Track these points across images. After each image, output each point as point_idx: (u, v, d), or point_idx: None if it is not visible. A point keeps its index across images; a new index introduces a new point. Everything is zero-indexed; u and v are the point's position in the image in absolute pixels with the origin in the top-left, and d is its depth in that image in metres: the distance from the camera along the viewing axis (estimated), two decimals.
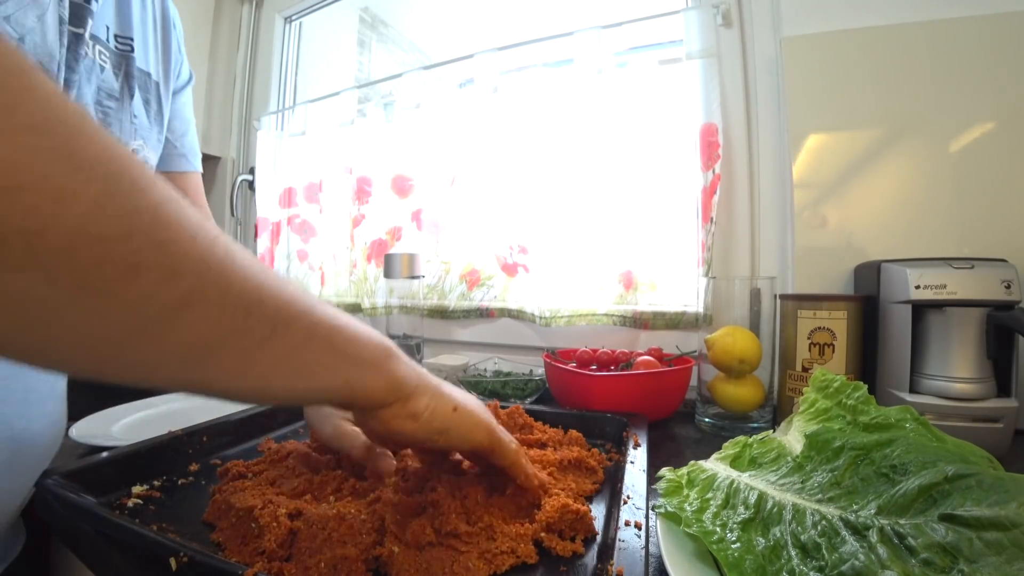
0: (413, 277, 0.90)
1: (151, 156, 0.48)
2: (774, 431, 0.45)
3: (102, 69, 0.42)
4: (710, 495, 0.35)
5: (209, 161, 1.47)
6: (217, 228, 0.22)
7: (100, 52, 0.41)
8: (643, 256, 0.89)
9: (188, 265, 0.19)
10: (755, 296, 0.65)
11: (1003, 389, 0.54)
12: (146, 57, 0.46)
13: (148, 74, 0.47)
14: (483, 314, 1.02)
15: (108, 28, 0.42)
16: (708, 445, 0.59)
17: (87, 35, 0.39)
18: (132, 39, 0.45)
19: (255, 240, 1.33)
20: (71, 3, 0.38)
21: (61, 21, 0.36)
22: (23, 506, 0.44)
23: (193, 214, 0.20)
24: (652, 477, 0.43)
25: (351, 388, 0.28)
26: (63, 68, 0.37)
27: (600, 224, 0.89)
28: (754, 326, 0.65)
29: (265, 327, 0.22)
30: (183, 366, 0.21)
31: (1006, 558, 0.22)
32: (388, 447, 0.42)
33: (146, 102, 0.46)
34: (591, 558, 0.34)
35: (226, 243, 0.21)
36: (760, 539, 0.29)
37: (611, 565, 0.29)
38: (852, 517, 0.27)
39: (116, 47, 0.43)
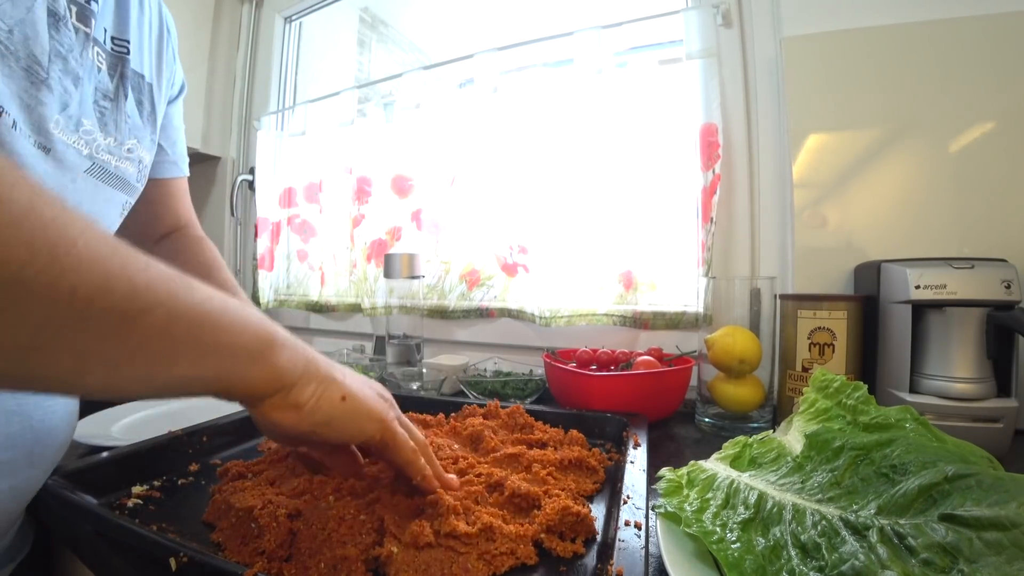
0: (413, 277, 0.90)
1: (145, 155, 0.48)
2: (774, 431, 0.45)
3: (99, 70, 0.42)
4: (710, 495, 0.35)
5: (209, 161, 1.47)
6: (68, 213, 0.20)
7: (98, 53, 0.42)
8: (643, 256, 0.89)
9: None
10: (755, 296, 0.65)
11: (1003, 389, 0.54)
12: (141, 60, 0.47)
13: (142, 76, 0.47)
14: (483, 314, 1.02)
15: (106, 30, 0.43)
16: (708, 445, 0.59)
17: (92, 36, 0.40)
18: (128, 41, 0.45)
19: (255, 240, 1.33)
20: (76, 3, 0.38)
21: (52, 14, 0.36)
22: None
23: (25, 194, 0.18)
24: (652, 477, 0.43)
25: (223, 380, 0.26)
26: (54, 60, 0.36)
27: (600, 224, 0.89)
28: (754, 326, 0.65)
29: (110, 320, 0.20)
30: (6, 363, 0.19)
31: (1006, 558, 0.22)
32: (278, 440, 0.40)
33: (139, 103, 0.47)
34: (591, 558, 0.34)
35: (66, 225, 0.19)
36: (760, 539, 0.29)
37: (611, 565, 0.29)
38: (852, 517, 0.27)
39: (112, 49, 0.44)
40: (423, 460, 0.37)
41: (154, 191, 0.56)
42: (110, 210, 0.46)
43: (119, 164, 0.45)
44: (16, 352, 0.19)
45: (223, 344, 0.26)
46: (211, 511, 0.38)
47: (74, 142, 0.39)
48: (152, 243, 0.59)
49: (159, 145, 0.54)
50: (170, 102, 0.55)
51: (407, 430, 0.37)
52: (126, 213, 0.48)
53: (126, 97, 0.45)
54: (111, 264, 0.20)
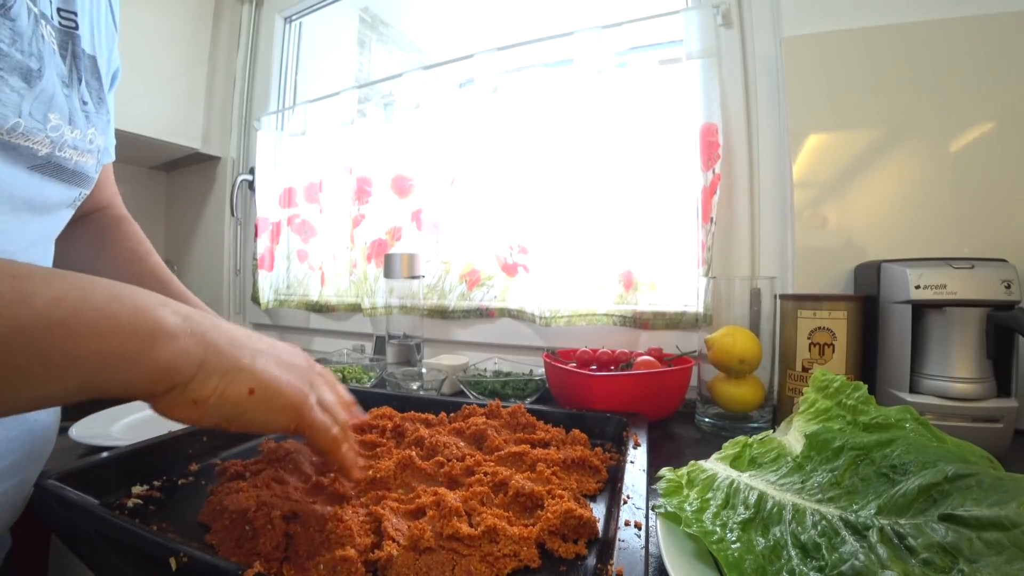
0: (413, 277, 0.90)
1: (101, 142, 0.44)
2: (774, 431, 0.45)
3: (53, 52, 0.37)
4: (710, 495, 0.35)
5: (209, 161, 1.47)
6: None
7: (49, 33, 0.37)
8: (643, 256, 0.89)
9: None
10: (755, 296, 0.65)
11: (1003, 389, 0.54)
12: (85, 31, 0.42)
13: (85, 52, 0.42)
14: (483, 314, 1.02)
15: (52, 2, 0.38)
16: (708, 445, 0.59)
17: (35, 7, 0.35)
18: (76, 13, 0.40)
19: (255, 240, 1.33)
20: None
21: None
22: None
23: None
24: (652, 477, 0.43)
25: (95, 388, 0.24)
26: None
27: (600, 224, 0.89)
28: (754, 326, 0.65)
29: None
30: None
31: (1006, 558, 0.22)
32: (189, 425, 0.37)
33: (88, 84, 0.42)
34: (592, 559, 0.34)
35: None
36: (760, 539, 0.29)
37: (611, 565, 0.29)
38: (852, 517, 0.27)
39: (60, 23, 0.38)
40: (344, 447, 0.34)
41: None
42: (58, 202, 0.42)
43: (79, 159, 0.41)
44: None
45: (81, 354, 0.23)
46: (206, 512, 0.38)
47: (35, 143, 0.36)
48: (72, 222, 0.54)
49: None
50: (112, 82, 0.50)
51: (330, 411, 0.35)
52: (79, 202, 0.45)
53: (80, 80, 0.40)
54: None
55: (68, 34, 0.39)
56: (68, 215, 0.45)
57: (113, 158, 0.57)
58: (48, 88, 0.36)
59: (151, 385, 0.26)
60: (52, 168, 0.39)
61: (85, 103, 0.41)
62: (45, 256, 0.44)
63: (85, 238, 0.54)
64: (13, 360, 0.20)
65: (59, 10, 0.38)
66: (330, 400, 0.35)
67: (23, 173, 0.37)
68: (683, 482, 0.38)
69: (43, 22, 0.36)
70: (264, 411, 0.30)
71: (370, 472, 0.43)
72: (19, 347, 0.21)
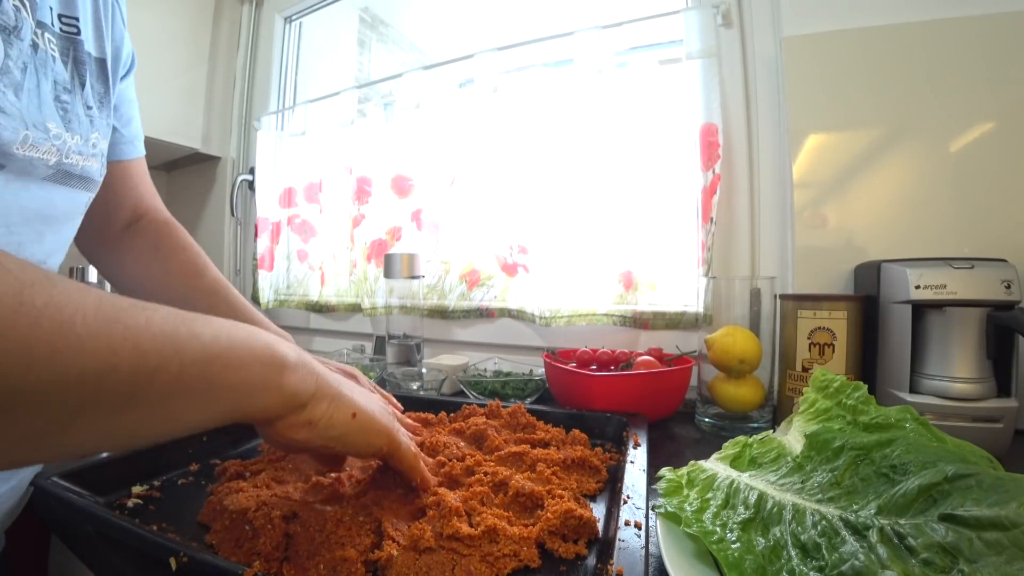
0: (413, 277, 0.90)
1: (104, 145, 0.45)
2: (774, 431, 0.45)
3: (53, 60, 0.37)
4: (710, 495, 0.35)
5: (209, 161, 1.47)
6: (59, 289, 0.18)
7: (49, 40, 0.37)
8: (643, 256, 0.89)
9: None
10: (755, 296, 0.65)
11: (1003, 389, 0.54)
12: (90, 36, 0.42)
13: (90, 54, 0.42)
14: (483, 314, 1.02)
15: (52, 9, 0.38)
16: (708, 445, 0.59)
17: (33, 20, 0.35)
18: (77, 18, 0.40)
19: (255, 240, 1.33)
20: None
21: None
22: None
23: (11, 287, 0.17)
24: (652, 477, 0.43)
25: (239, 413, 0.27)
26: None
27: (600, 224, 0.89)
28: (754, 326, 0.65)
29: (123, 390, 0.20)
30: (19, 453, 0.19)
31: (1006, 558, 0.22)
32: (285, 450, 0.42)
33: (93, 88, 0.42)
34: (592, 558, 0.34)
35: (60, 308, 0.18)
36: (760, 539, 0.29)
37: (611, 565, 0.29)
38: (852, 517, 0.27)
39: (62, 30, 0.39)
40: (422, 464, 0.38)
41: (111, 175, 0.52)
42: (69, 209, 0.43)
43: (85, 163, 0.42)
44: (28, 440, 0.19)
45: (234, 382, 0.26)
46: (206, 512, 0.38)
47: (43, 153, 0.37)
48: (118, 233, 0.56)
49: (120, 124, 0.51)
50: (122, 78, 0.50)
51: (409, 433, 0.40)
52: (87, 206, 0.46)
53: (83, 86, 0.41)
54: (113, 334, 0.20)
55: (70, 40, 0.39)
56: (78, 221, 0.46)
57: (142, 152, 0.57)
58: (33, 100, 0.36)
59: (279, 408, 0.29)
60: (61, 176, 0.40)
61: (89, 107, 0.42)
62: (59, 266, 0.45)
63: (143, 251, 0.55)
64: (185, 387, 0.23)
65: (60, 16, 0.39)
66: (401, 425, 0.40)
67: (34, 185, 0.38)
68: (683, 482, 0.38)
69: (40, 31, 0.36)
70: (364, 433, 0.34)
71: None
72: (193, 376, 0.23)
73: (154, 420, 0.23)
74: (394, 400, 0.54)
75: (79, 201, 0.44)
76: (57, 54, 0.38)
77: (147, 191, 0.58)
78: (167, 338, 0.22)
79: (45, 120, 0.37)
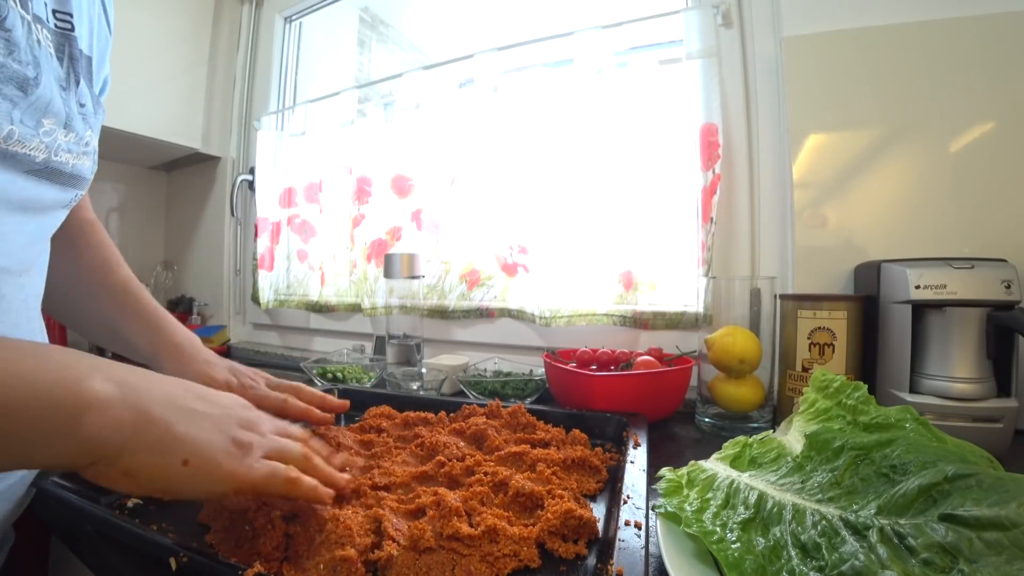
0: (413, 277, 0.90)
1: (95, 143, 0.44)
2: (774, 431, 0.45)
3: (51, 56, 0.37)
4: (710, 495, 0.35)
5: (209, 161, 1.47)
6: None
7: (46, 36, 0.36)
8: (643, 256, 0.89)
9: None
10: (755, 296, 0.65)
11: (1003, 389, 0.54)
12: (82, 32, 0.41)
13: (82, 51, 0.41)
14: (483, 314, 1.02)
15: (47, 5, 0.37)
16: (708, 445, 0.59)
17: (28, 14, 0.34)
18: (72, 15, 0.39)
19: (255, 240, 1.33)
20: None
21: None
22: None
23: None
24: (652, 477, 0.43)
25: (28, 463, 0.23)
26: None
27: (600, 224, 0.89)
28: (754, 326, 0.65)
29: None
30: None
31: (1006, 558, 0.22)
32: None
33: (89, 85, 0.41)
34: (592, 558, 0.34)
35: None
36: (760, 539, 0.29)
37: (611, 565, 0.29)
38: (852, 517, 0.27)
39: (56, 26, 0.38)
40: (305, 481, 0.33)
41: None
42: (53, 203, 0.41)
43: (76, 161, 0.41)
44: None
45: (9, 432, 0.22)
46: (206, 512, 0.38)
47: (30, 150, 0.36)
48: None
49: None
50: (102, 91, 0.48)
51: (280, 453, 0.34)
52: (75, 203, 0.45)
53: (77, 83, 0.40)
54: None
55: (64, 36, 0.39)
56: (63, 215, 0.45)
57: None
58: (45, 94, 0.35)
59: (75, 459, 0.25)
60: (49, 173, 0.39)
61: (83, 105, 0.41)
62: (42, 253, 0.44)
63: (59, 243, 0.54)
64: None
65: (54, 12, 0.38)
66: (279, 444, 0.35)
67: (20, 178, 0.37)
68: (683, 482, 0.38)
69: (38, 26, 0.35)
70: (201, 482, 0.29)
71: (375, 474, 0.43)
72: None
73: None
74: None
75: (66, 198, 0.43)
76: (52, 51, 0.37)
77: (86, 209, 0.57)
78: None
79: (43, 116, 0.36)
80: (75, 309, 0.54)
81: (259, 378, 0.54)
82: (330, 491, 0.35)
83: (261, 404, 0.47)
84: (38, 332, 0.44)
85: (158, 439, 0.27)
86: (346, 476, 0.38)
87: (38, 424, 0.23)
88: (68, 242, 0.54)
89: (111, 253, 0.56)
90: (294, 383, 0.55)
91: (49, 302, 0.48)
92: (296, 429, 0.39)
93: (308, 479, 0.34)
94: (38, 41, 0.35)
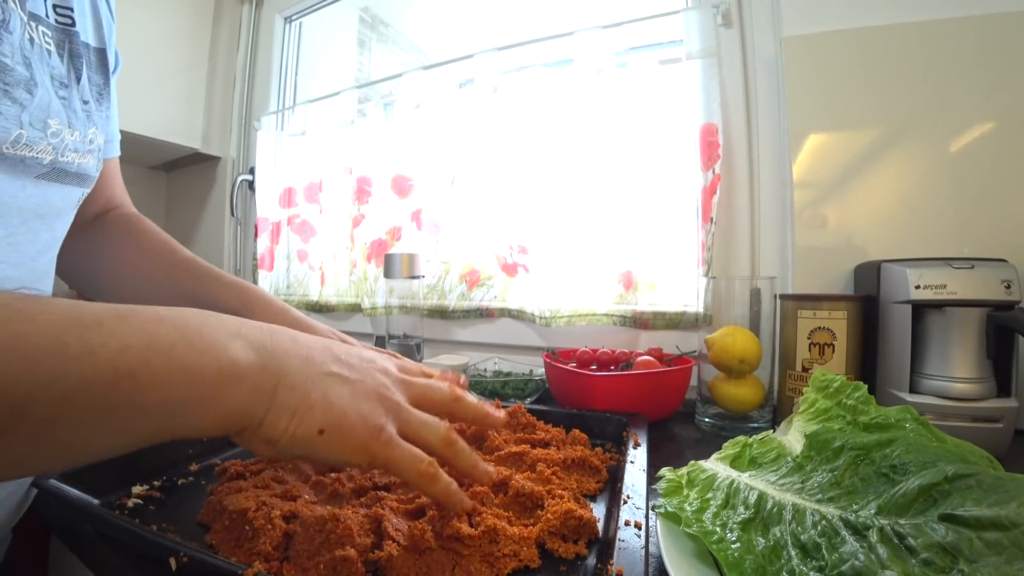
0: (413, 277, 0.90)
1: (101, 140, 0.44)
2: (774, 431, 0.45)
3: (49, 54, 0.36)
4: (710, 495, 0.35)
5: (209, 161, 1.47)
6: None
7: (44, 33, 0.35)
8: (643, 256, 0.89)
9: None
10: (755, 296, 0.65)
11: (1003, 389, 0.54)
12: (85, 25, 0.40)
13: (88, 45, 0.40)
14: (483, 314, 1.02)
15: (45, 1, 0.36)
16: (708, 445, 0.59)
17: (24, 13, 0.34)
18: (72, 8, 0.38)
19: (255, 240, 1.33)
20: None
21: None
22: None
23: None
24: (652, 477, 0.43)
25: (168, 434, 0.23)
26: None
27: (600, 224, 0.89)
28: (754, 326, 0.65)
29: (37, 413, 0.18)
30: None
31: (1006, 558, 0.22)
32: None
33: (89, 80, 0.40)
34: (592, 558, 0.34)
35: None
36: (760, 539, 0.29)
37: (611, 565, 0.29)
38: (852, 517, 0.27)
39: (57, 21, 0.37)
40: (440, 477, 0.30)
41: None
42: (63, 206, 0.42)
43: (81, 160, 0.40)
44: None
45: (148, 404, 0.21)
46: (206, 512, 0.38)
47: (38, 152, 0.35)
48: (86, 224, 0.54)
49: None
50: (112, 72, 0.48)
51: (417, 432, 0.31)
52: (81, 202, 0.45)
53: (79, 79, 0.39)
54: (26, 347, 0.18)
55: (65, 31, 0.38)
56: (71, 217, 0.45)
57: (118, 153, 0.57)
58: (44, 96, 0.35)
59: (222, 428, 0.25)
60: (56, 174, 0.38)
61: (86, 102, 0.40)
62: (52, 262, 0.44)
63: (114, 237, 0.54)
64: (79, 416, 0.20)
65: (55, 7, 0.37)
66: (419, 420, 0.31)
67: (30, 184, 0.36)
68: (683, 482, 0.38)
69: (33, 24, 0.35)
70: (336, 450, 0.28)
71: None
72: (85, 402, 0.20)
73: (40, 449, 0.20)
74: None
75: (73, 197, 0.43)
76: (53, 47, 0.36)
77: (119, 189, 0.58)
78: (45, 357, 0.19)
79: (47, 117, 0.35)
80: (150, 293, 0.53)
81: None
82: (469, 501, 0.32)
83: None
84: None
85: (295, 407, 0.26)
86: (491, 469, 0.34)
87: (180, 396, 0.22)
88: (123, 232, 0.54)
89: (168, 236, 0.56)
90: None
91: (118, 294, 0.49)
92: (441, 390, 0.34)
93: (445, 478, 0.31)
94: (30, 40, 0.34)
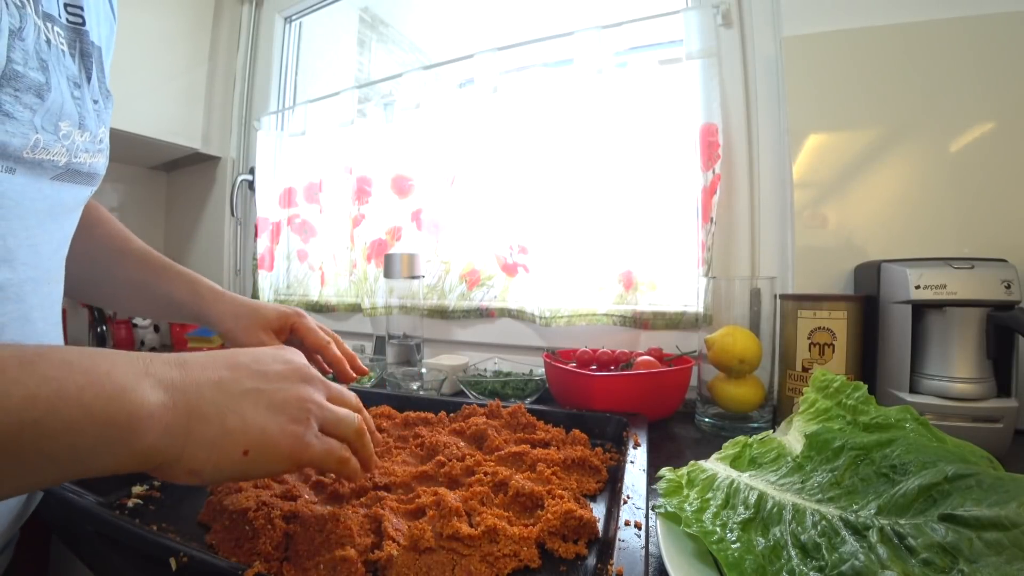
0: (413, 277, 0.90)
1: (107, 139, 0.43)
2: (774, 431, 0.45)
3: (64, 55, 0.36)
4: (710, 495, 0.35)
5: (209, 161, 1.47)
6: None
7: (58, 34, 0.35)
8: (643, 256, 0.89)
9: None
10: (755, 296, 0.65)
11: (1003, 389, 0.54)
12: (93, 24, 0.40)
13: (94, 44, 0.40)
14: (483, 314, 1.02)
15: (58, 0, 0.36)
16: (708, 445, 0.59)
17: (38, 15, 0.33)
18: (82, 7, 0.38)
19: (255, 240, 1.33)
20: None
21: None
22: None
23: None
24: (652, 477, 0.43)
25: (78, 474, 0.23)
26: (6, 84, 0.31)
27: (600, 224, 0.89)
28: (754, 326, 0.65)
29: None
30: None
31: (1006, 558, 0.22)
32: None
33: (98, 78, 0.40)
34: (592, 558, 0.34)
35: None
36: (760, 539, 0.29)
37: (611, 565, 0.29)
38: (852, 517, 0.27)
39: (68, 20, 0.37)
40: (352, 463, 0.33)
41: None
42: (73, 205, 0.42)
43: (92, 160, 0.40)
44: None
45: (55, 451, 0.21)
46: (206, 512, 0.38)
47: (54, 155, 0.35)
48: None
49: None
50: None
51: (336, 427, 0.33)
52: (88, 199, 0.45)
53: (89, 79, 0.39)
54: None
55: (76, 31, 0.38)
56: (79, 215, 0.45)
57: None
58: (57, 98, 0.35)
59: (137, 466, 0.25)
60: (70, 174, 0.39)
61: (96, 101, 0.40)
62: (63, 260, 0.44)
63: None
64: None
65: (66, 6, 0.37)
66: (335, 417, 0.33)
67: (46, 185, 0.37)
68: (683, 482, 0.38)
69: (48, 25, 0.35)
70: (264, 466, 0.29)
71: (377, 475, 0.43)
72: (13, 448, 0.20)
73: None
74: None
75: (83, 196, 0.43)
76: (66, 47, 0.36)
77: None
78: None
79: (59, 120, 0.36)
80: (103, 281, 0.54)
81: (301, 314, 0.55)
82: (371, 468, 0.36)
83: (307, 339, 0.52)
84: (56, 341, 0.44)
85: (212, 438, 0.27)
86: (377, 463, 0.38)
87: (89, 441, 0.22)
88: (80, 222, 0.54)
89: (120, 225, 0.57)
90: (334, 333, 0.56)
91: (74, 285, 0.48)
92: (351, 396, 0.37)
93: (355, 461, 0.34)
94: (47, 41, 0.34)
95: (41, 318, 0.39)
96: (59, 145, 0.36)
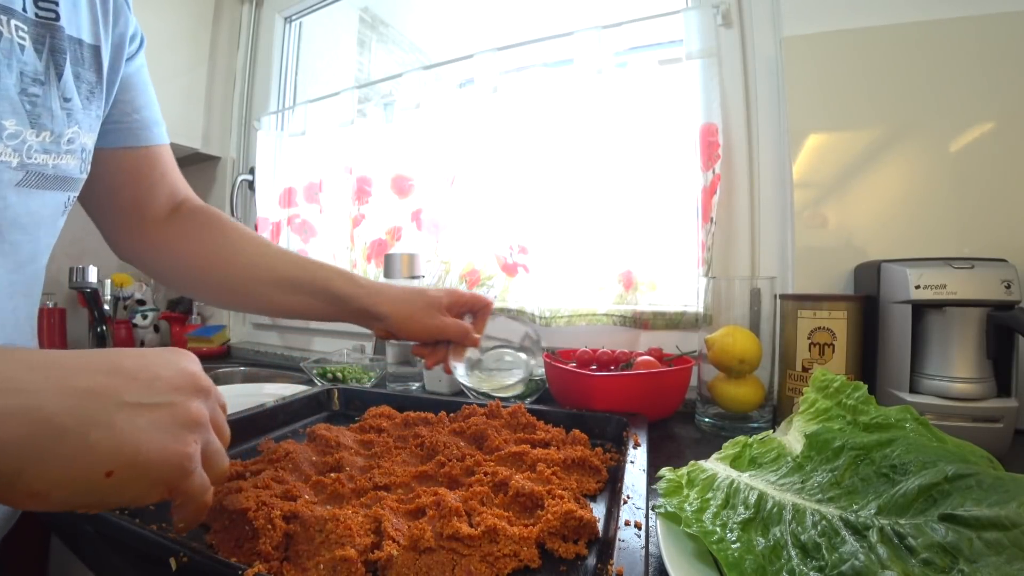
0: (413, 277, 0.90)
1: (88, 140, 0.41)
2: (774, 431, 0.45)
3: (22, 48, 0.34)
4: (710, 495, 0.35)
5: (209, 161, 1.47)
6: None
7: (17, 27, 0.33)
8: (643, 256, 0.89)
9: None
10: (755, 296, 0.65)
11: (1003, 389, 0.54)
12: (77, 20, 0.38)
13: (80, 41, 0.38)
14: None
15: None
16: (708, 445, 0.59)
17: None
18: (57, 3, 0.37)
19: None
20: None
21: None
22: None
23: None
24: (652, 477, 0.43)
25: None
26: None
27: (600, 224, 0.89)
28: (754, 326, 0.65)
29: None
30: None
31: (1006, 558, 0.22)
32: None
33: (77, 76, 0.39)
34: (592, 558, 0.34)
35: None
36: (760, 539, 0.29)
37: (611, 565, 0.29)
38: (852, 517, 0.27)
39: (37, 15, 0.35)
40: (204, 508, 0.28)
41: (142, 163, 0.50)
42: (47, 213, 0.40)
43: (58, 162, 0.38)
44: None
45: None
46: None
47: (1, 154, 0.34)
48: (160, 222, 0.53)
49: (124, 113, 0.48)
50: (128, 59, 0.46)
51: (212, 459, 0.28)
52: (70, 207, 0.42)
53: (60, 76, 0.37)
54: None
55: (47, 26, 0.36)
56: (62, 222, 0.42)
57: (166, 140, 0.56)
58: (6, 93, 0.33)
59: None
60: (35, 179, 0.37)
61: (67, 99, 0.38)
62: (40, 271, 0.42)
63: (199, 233, 0.54)
64: None
65: (36, 1, 0.36)
66: (216, 448, 0.29)
67: (11, 193, 0.35)
68: (683, 482, 0.38)
69: (5, 17, 0.33)
70: (129, 490, 0.24)
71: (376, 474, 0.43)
72: None
73: None
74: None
75: (57, 203, 0.40)
76: (28, 42, 0.34)
77: (180, 180, 0.57)
78: None
79: (1, 118, 0.33)
80: (243, 280, 0.53)
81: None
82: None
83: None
84: None
85: (69, 454, 0.22)
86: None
87: None
88: (203, 225, 0.55)
89: (244, 229, 0.57)
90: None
91: (202, 289, 0.51)
92: (226, 428, 0.32)
93: (209, 496, 0.29)
94: None
95: (5, 333, 0.37)
96: (2, 145, 0.34)
